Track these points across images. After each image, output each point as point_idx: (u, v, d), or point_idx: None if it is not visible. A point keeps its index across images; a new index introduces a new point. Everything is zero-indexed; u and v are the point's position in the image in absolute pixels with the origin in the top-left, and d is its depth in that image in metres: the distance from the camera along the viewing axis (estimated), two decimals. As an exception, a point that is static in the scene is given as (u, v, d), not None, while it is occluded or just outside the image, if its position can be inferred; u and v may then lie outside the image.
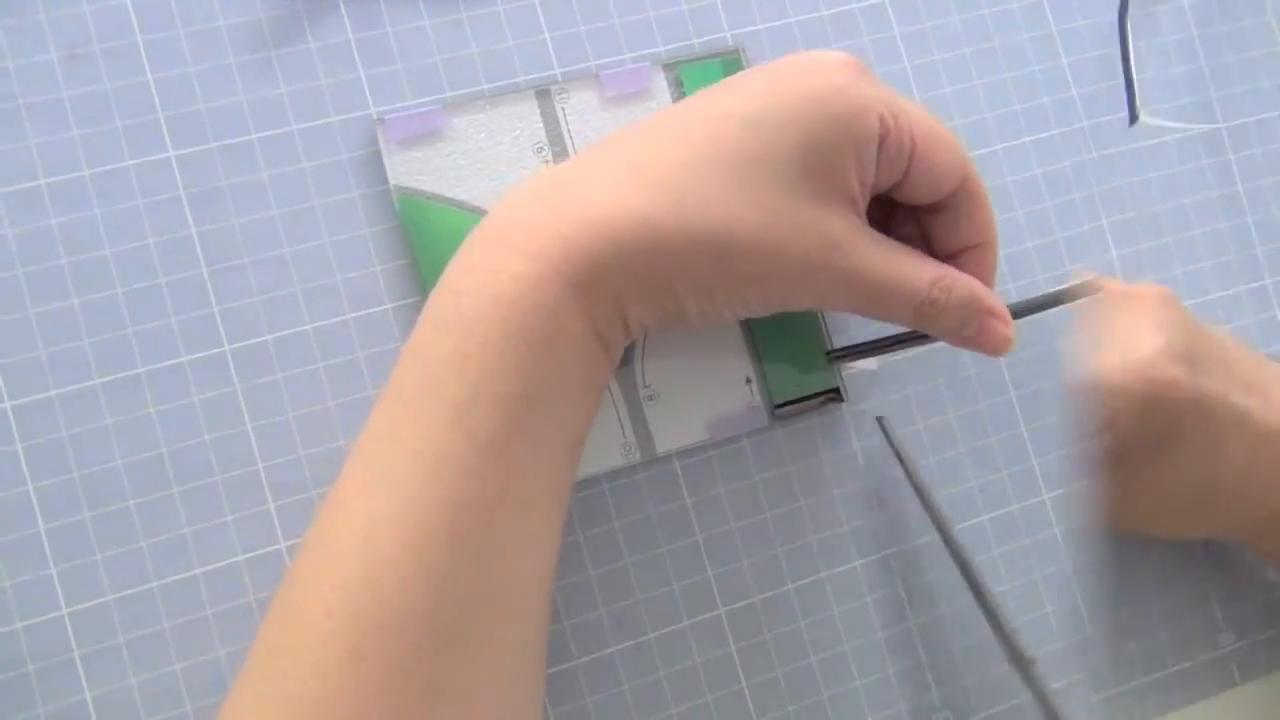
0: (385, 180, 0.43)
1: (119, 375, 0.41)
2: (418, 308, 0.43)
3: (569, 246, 0.36)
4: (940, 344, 0.45)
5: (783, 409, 0.45)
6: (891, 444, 0.46)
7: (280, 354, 0.42)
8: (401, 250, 0.43)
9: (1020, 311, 0.43)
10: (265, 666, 0.34)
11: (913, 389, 0.47)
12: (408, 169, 0.43)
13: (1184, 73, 0.53)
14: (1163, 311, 0.41)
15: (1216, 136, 0.53)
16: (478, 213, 0.43)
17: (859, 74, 0.38)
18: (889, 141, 0.38)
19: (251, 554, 0.41)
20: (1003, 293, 0.43)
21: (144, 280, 0.41)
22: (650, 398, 0.44)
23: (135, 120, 0.42)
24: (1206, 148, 0.52)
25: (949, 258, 0.42)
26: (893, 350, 0.45)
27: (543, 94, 0.45)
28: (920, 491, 0.45)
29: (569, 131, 0.45)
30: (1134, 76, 0.49)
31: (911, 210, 0.42)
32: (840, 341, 0.46)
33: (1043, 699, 0.41)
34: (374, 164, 0.44)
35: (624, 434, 0.44)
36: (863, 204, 0.39)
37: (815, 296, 0.39)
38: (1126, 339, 0.40)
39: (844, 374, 0.46)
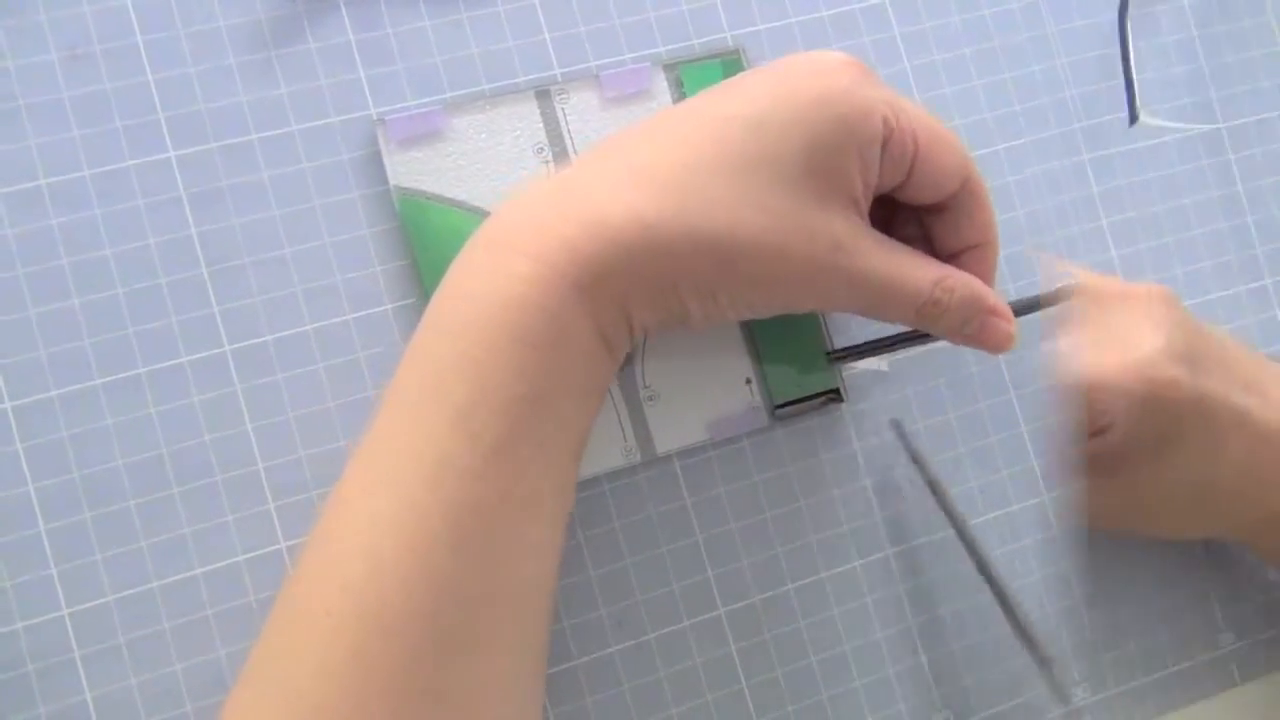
0: (385, 180, 0.43)
1: (119, 375, 0.41)
2: (418, 308, 0.43)
3: (574, 249, 0.35)
4: (940, 343, 0.45)
5: (783, 409, 0.45)
6: (906, 445, 0.46)
7: (280, 354, 0.42)
8: (402, 251, 0.43)
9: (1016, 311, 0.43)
10: (267, 666, 0.34)
11: (912, 389, 0.47)
12: (408, 169, 0.43)
13: (1184, 73, 0.53)
14: (1163, 311, 0.41)
15: (1216, 136, 0.53)
16: (478, 213, 0.43)
17: (862, 75, 0.38)
18: (892, 143, 0.38)
19: (252, 554, 0.41)
20: (1001, 292, 0.43)
21: (144, 280, 0.41)
22: (650, 398, 0.44)
23: (136, 120, 0.42)
24: (1206, 148, 0.52)
25: (950, 257, 0.42)
26: (893, 350, 0.45)
27: (543, 94, 0.45)
28: (937, 493, 0.45)
29: (569, 132, 0.45)
30: (1134, 76, 0.49)
31: (913, 210, 0.42)
32: (840, 341, 0.46)
33: (1061, 696, 0.41)
34: (374, 164, 0.44)
35: (624, 434, 0.44)
36: (865, 205, 0.39)
37: (819, 298, 0.40)
38: (1126, 338, 0.40)
39: (854, 374, 0.46)
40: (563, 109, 0.45)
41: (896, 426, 0.47)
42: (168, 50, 0.43)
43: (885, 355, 0.46)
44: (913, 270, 0.39)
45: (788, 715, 0.45)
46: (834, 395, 0.46)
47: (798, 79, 0.38)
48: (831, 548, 0.46)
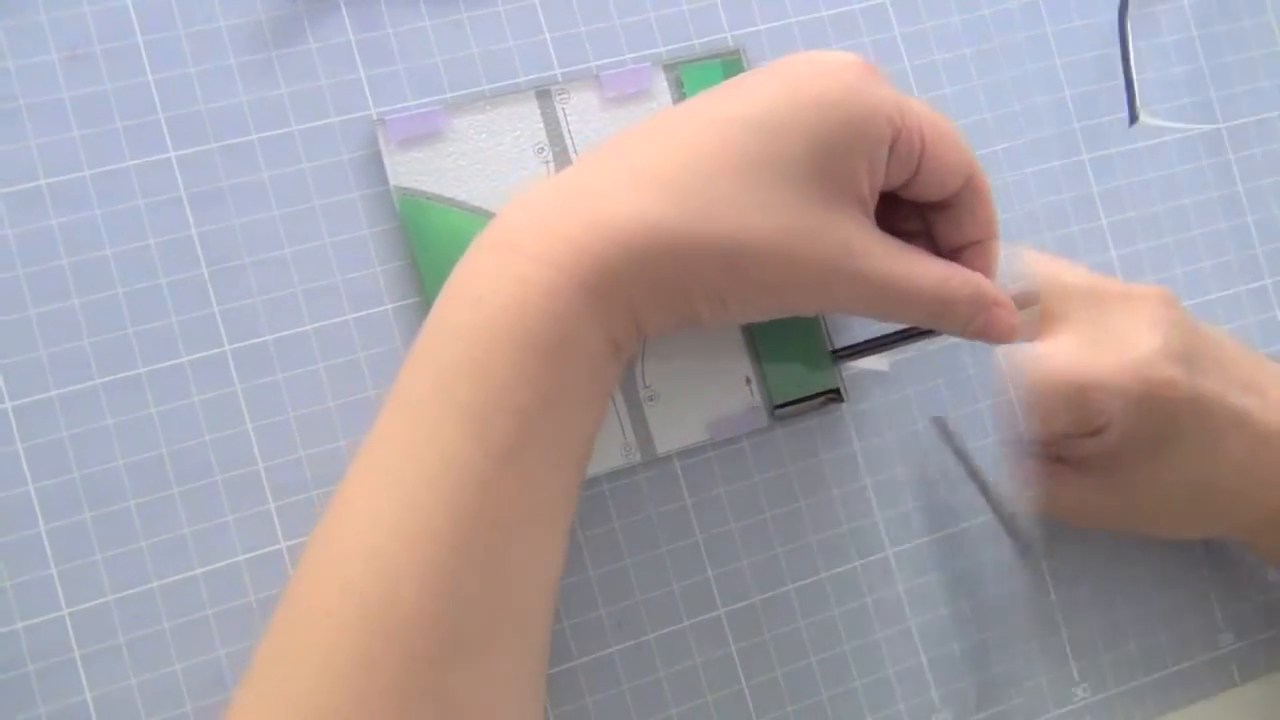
0: (385, 181, 0.43)
1: (119, 375, 0.41)
2: (418, 308, 0.43)
3: (584, 252, 0.35)
4: (940, 338, 0.45)
5: (783, 409, 0.45)
6: (951, 443, 0.46)
7: (280, 354, 0.42)
8: (402, 251, 0.43)
9: None
10: (269, 668, 0.34)
11: (912, 389, 0.47)
12: (408, 169, 0.43)
13: (1184, 73, 0.53)
14: (1160, 311, 0.41)
15: (1216, 136, 0.53)
16: (478, 213, 0.43)
17: (868, 74, 0.38)
18: (899, 142, 0.38)
19: (252, 554, 0.41)
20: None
21: (144, 280, 0.41)
22: (650, 398, 0.44)
23: (136, 121, 0.42)
24: (1206, 148, 0.52)
25: (952, 253, 0.42)
26: (895, 346, 0.45)
27: (543, 94, 0.45)
28: (984, 489, 0.45)
29: (569, 132, 0.45)
30: (1134, 76, 0.49)
31: (915, 206, 0.42)
32: (840, 340, 0.46)
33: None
34: (374, 164, 0.44)
35: (624, 434, 0.44)
36: (872, 205, 0.39)
37: (828, 301, 0.39)
38: (1124, 339, 0.40)
39: (854, 374, 0.46)
40: (563, 109, 0.45)
41: (939, 424, 0.47)
42: (168, 50, 0.43)
43: (887, 353, 0.46)
44: (920, 270, 0.39)
45: (788, 715, 0.45)
46: (834, 395, 0.46)
47: (802, 80, 0.38)
48: (831, 548, 0.46)
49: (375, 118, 0.44)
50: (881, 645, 0.46)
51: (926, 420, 0.47)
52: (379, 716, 0.32)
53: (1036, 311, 0.43)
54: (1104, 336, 0.41)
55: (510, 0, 0.46)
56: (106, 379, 0.41)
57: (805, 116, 0.37)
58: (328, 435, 0.42)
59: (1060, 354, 0.40)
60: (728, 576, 0.45)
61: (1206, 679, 0.49)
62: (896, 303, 0.39)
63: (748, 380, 0.45)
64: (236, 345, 0.42)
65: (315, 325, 0.43)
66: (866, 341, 0.46)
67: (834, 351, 0.46)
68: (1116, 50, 0.50)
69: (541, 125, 0.45)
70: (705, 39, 0.47)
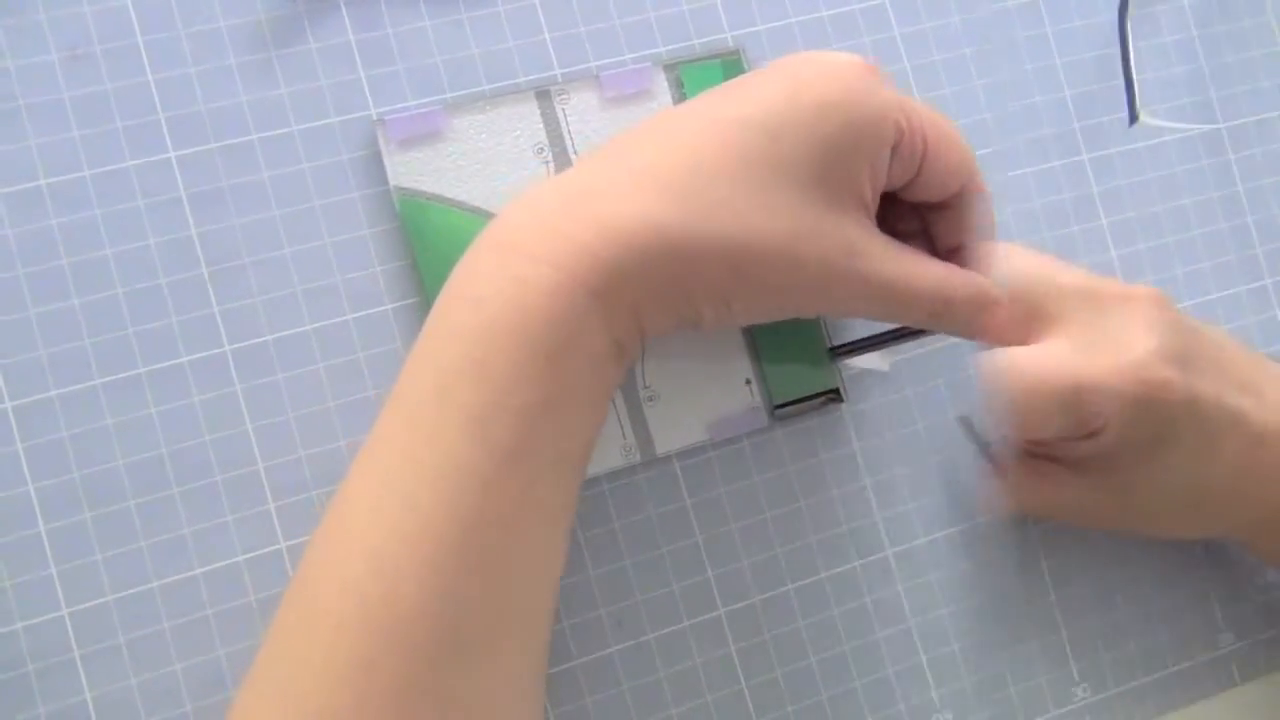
0: (385, 181, 0.43)
1: (119, 375, 0.41)
2: (418, 308, 0.43)
3: (590, 255, 0.35)
4: (937, 338, 0.45)
5: (783, 409, 0.45)
6: (977, 441, 0.46)
7: (280, 354, 0.42)
8: (402, 251, 0.43)
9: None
10: (271, 670, 0.34)
11: (912, 389, 0.47)
12: (408, 169, 0.43)
13: (1184, 73, 0.53)
14: (1156, 312, 0.41)
15: (1216, 136, 0.53)
16: (478, 213, 0.43)
17: (871, 76, 0.38)
18: (902, 145, 0.38)
19: (252, 554, 0.41)
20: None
21: (144, 281, 0.41)
22: (650, 398, 0.44)
23: (136, 121, 0.42)
24: (1206, 148, 0.52)
25: (950, 253, 0.42)
26: (894, 343, 0.45)
27: (543, 95, 0.45)
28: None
29: (569, 132, 0.45)
30: (1134, 76, 0.49)
31: (914, 206, 0.42)
32: (840, 339, 0.46)
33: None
34: (374, 164, 0.44)
35: (624, 435, 0.44)
36: (874, 207, 0.39)
37: (831, 303, 0.40)
38: (1120, 341, 0.40)
39: (854, 373, 0.46)
40: (563, 109, 0.45)
41: (965, 423, 0.47)
42: (168, 50, 0.43)
43: (887, 350, 0.46)
44: (920, 271, 0.39)
45: (787, 716, 0.45)
46: (834, 395, 0.46)
47: (803, 81, 0.38)
48: (831, 548, 0.46)
49: (375, 118, 0.44)
50: (881, 645, 0.46)
51: (924, 421, 0.47)
52: (379, 717, 0.32)
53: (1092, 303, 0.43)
54: (1099, 338, 0.41)
55: (510, 0, 0.46)
56: (106, 379, 0.41)
57: (806, 118, 0.37)
58: (328, 435, 0.42)
59: (1056, 356, 0.40)
60: (727, 576, 0.45)
61: (1206, 679, 0.49)
62: (897, 303, 0.40)
63: (748, 381, 0.45)
64: (236, 345, 0.42)
65: (315, 325, 0.43)
66: (864, 339, 0.46)
67: (832, 349, 0.46)
68: (1116, 50, 0.50)
69: (541, 125, 0.45)
70: (705, 39, 0.47)
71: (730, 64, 0.46)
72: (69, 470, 0.40)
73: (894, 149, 0.38)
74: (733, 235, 0.36)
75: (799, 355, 0.45)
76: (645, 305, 0.36)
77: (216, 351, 0.42)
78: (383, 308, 0.43)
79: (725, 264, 0.37)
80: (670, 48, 0.47)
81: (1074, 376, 0.40)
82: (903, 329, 0.45)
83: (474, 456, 0.33)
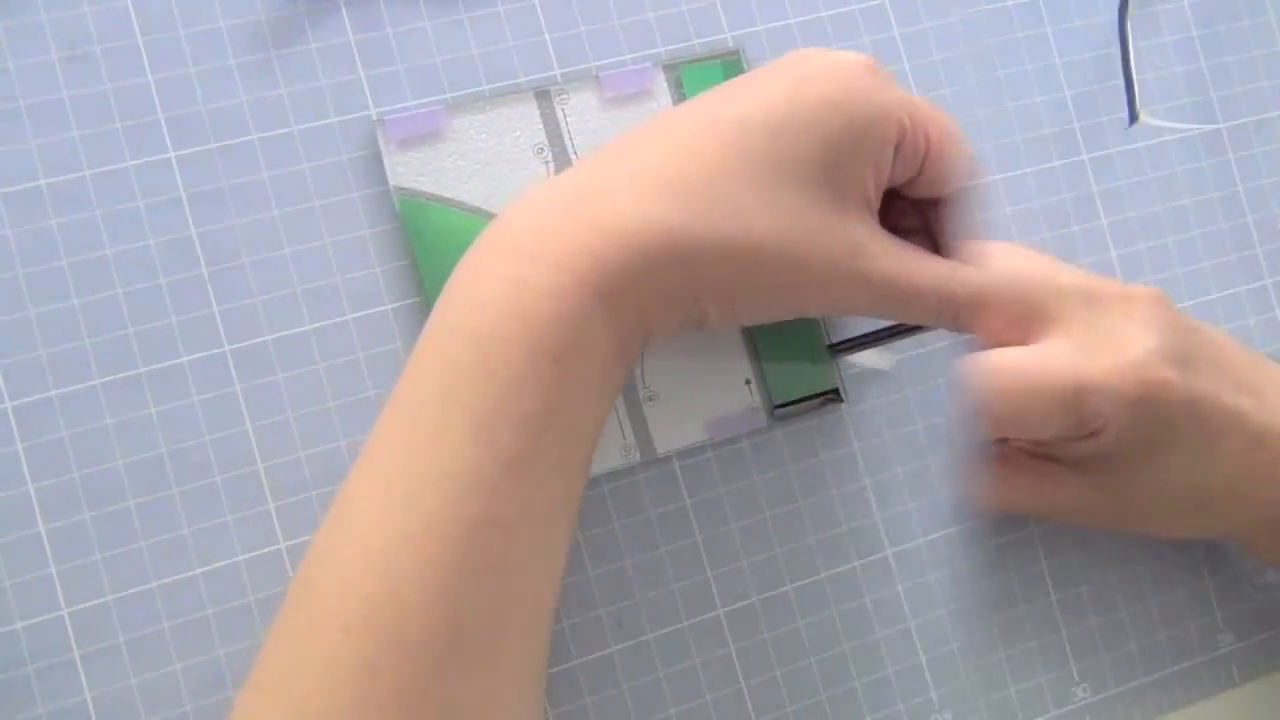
0: (385, 181, 0.43)
1: (119, 375, 0.41)
2: (418, 308, 0.43)
3: (597, 258, 0.35)
4: (936, 334, 0.45)
5: (782, 409, 0.45)
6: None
7: (280, 354, 0.42)
8: (401, 251, 0.43)
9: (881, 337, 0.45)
10: (273, 673, 0.33)
11: (912, 389, 0.47)
12: (408, 169, 0.43)
13: (1184, 73, 0.53)
14: (1155, 312, 0.41)
15: (1216, 136, 0.53)
16: (478, 213, 0.43)
17: (874, 75, 0.38)
18: (905, 143, 0.38)
19: (251, 554, 0.41)
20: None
21: (144, 281, 0.41)
22: (650, 398, 0.44)
23: (136, 121, 0.42)
24: (1206, 148, 0.52)
25: (950, 249, 0.42)
26: (892, 340, 0.45)
27: (542, 95, 0.45)
28: None
29: (569, 132, 0.45)
30: (1134, 76, 0.49)
31: (915, 202, 0.42)
32: (839, 335, 0.46)
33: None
34: (374, 165, 0.44)
35: (624, 435, 0.44)
36: (876, 205, 0.39)
37: (834, 301, 0.40)
38: (1119, 341, 0.40)
39: (854, 373, 0.46)
40: (563, 109, 0.45)
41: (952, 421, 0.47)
42: (168, 51, 0.43)
43: (889, 350, 0.46)
44: (924, 270, 0.40)
45: (787, 716, 0.45)
46: (833, 395, 0.46)
47: (811, 81, 0.38)
48: (831, 548, 0.46)
49: (375, 118, 0.44)
50: (881, 645, 0.46)
51: (924, 421, 0.47)
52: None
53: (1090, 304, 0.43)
54: (1099, 339, 0.40)
55: (510, 0, 0.46)
56: (106, 379, 0.41)
57: (808, 117, 0.37)
58: (327, 435, 0.42)
59: (1056, 356, 0.40)
60: (727, 577, 0.45)
61: (1206, 679, 0.49)
62: (899, 301, 0.40)
63: (747, 381, 0.45)
64: (236, 345, 0.42)
65: (315, 325, 0.43)
66: (863, 336, 0.46)
67: (831, 346, 0.46)
68: (1116, 50, 0.50)
69: (541, 126, 0.45)
70: (705, 39, 0.47)
71: (730, 64, 0.46)
72: (69, 470, 0.40)
73: (897, 147, 0.38)
74: (734, 236, 0.36)
75: (799, 355, 0.45)
76: (649, 306, 0.36)
77: (216, 351, 0.42)
78: (382, 308, 0.43)
79: (728, 265, 0.37)
80: (670, 48, 0.47)
81: (1074, 377, 0.39)
82: (901, 325, 0.45)
83: (478, 459, 0.33)
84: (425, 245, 0.43)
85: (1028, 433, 0.42)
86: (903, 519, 0.47)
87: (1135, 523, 0.45)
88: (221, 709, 0.40)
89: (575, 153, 0.45)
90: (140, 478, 0.40)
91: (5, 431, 0.40)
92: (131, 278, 0.41)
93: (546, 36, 0.46)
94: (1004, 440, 0.45)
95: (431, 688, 0.32)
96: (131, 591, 0.40)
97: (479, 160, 0.44)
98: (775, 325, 0.45)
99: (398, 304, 0.43)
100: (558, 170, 0.44)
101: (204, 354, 0.42)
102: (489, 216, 0.43)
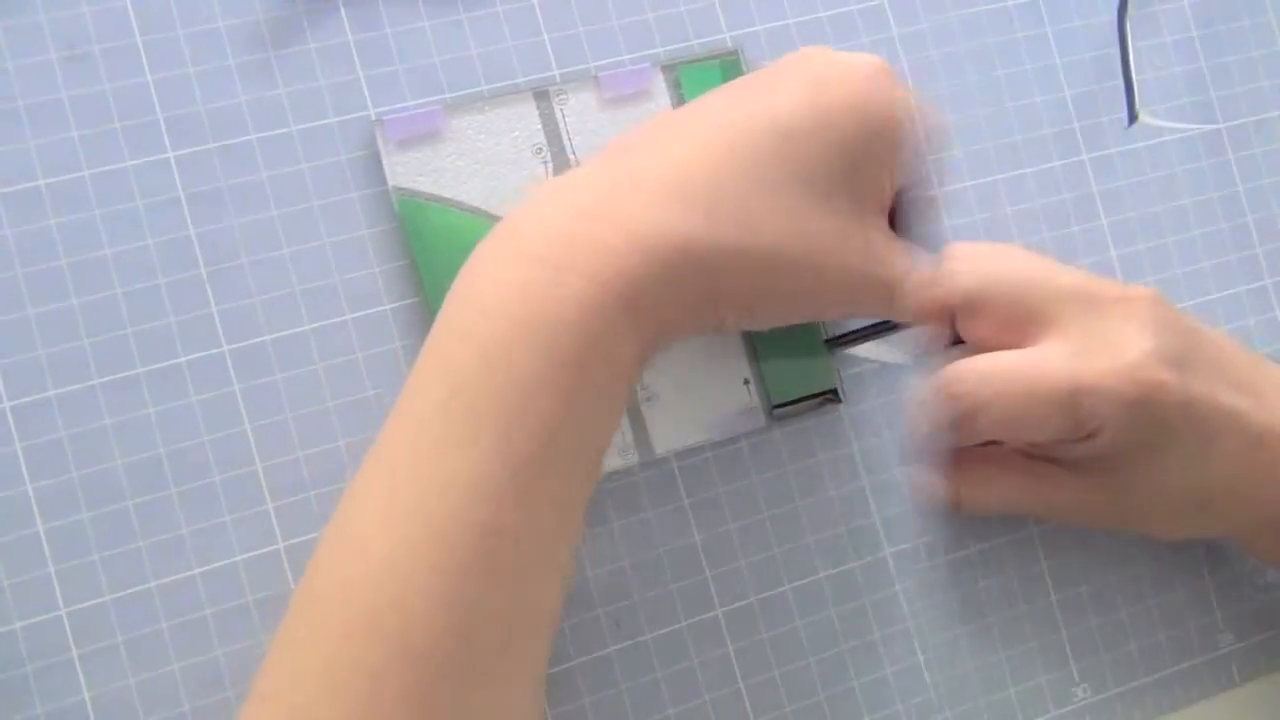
0: (384, 181, 0.43)
1: (118, 376, 0.41)
2: (417, 308, 0.43)
3: (623, 266, 0.34)
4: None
5: (781, 410, 0.45)
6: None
7: (279, 354, 0.42)
8: (400, 251, 0.43)
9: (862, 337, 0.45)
10: (279, 683, 0.33)
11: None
12: (406, 170, 0.43)
13: (1184, 73, 0.53)
14: (1153, 314, 0.41)
15: (1216, 136, 0.52)
16: (477, 213, 0.43)
17: (889, 80, 0.38)
18: (915, 147, 0.38)
19: (250, 554, 0.41)
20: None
21: (143, 281, 0.41)
22: (649, 399, 0.44)
23: (134, 121, 0.42)
24: (1206, 148, 0.52)
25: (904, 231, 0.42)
26: (889, 334, 0.45)
27: (541, 95, 0.45)
28: None
29: (567, 133, 0.45)
30: (1133, 76, 0.49)
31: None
32: (838, 330, 0.46)
33: None
34: (373, 165, 0.44)
35: (622, 435, 0.44)
36: (889, 208, 0.40)
37: (851, 306, 0.40)
38: (1116, 342, 0.40)
39: (857, 374, 0.46)
40: (561, 110, 0.45)
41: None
42: (167, 51, 0.43)
43: (884, 340, 0.46)
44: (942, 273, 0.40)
45: (785, 716, 0.45)
46: (832, 396, 0.46)
47: (829, 84, 0.38)
48: (829, 548, 0.46)
49: (374, 118, 0.44)
50: (879, 645, 0.46)
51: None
52: None
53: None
54: (1096, 341, 0.40)
55: (509, 1, 0.46)
56: (105, 379, 0.41)
57: (830, 121, 0.37)
58: (326, 435, 0.42)
59: (1051, 360, 0.40)
60: (725, 577, 0.45)
61: (1206, 679, 0.49)
62: (919, 307, 0.40)
63: (746, 381, 0.45)
64: (235, 345, 0.42)
65: (314, 325, 0.43)
66: (861, 330, 0.46)
67: (829, 341, 0.46)
68: (1116, 50, 0.50)
69: (540, 126, 0.45)
70: (704, 40, 0.47)
71: (729, 64, 0.46)
72: (67, 470, 0.40)
73: (911, 152, 0.39)
74: (759, 246, 0.36)
75: (797, 355, 0.45)
76: (670, 314, 0.36)
77: (215, 352, 0.42)
78: (381, 308, 0.43)
79: (750, 273, 0.37)
80: (669, 48, 0.47)
81: (1070, 379, 0.39)
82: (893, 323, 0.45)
83: (497, 475, 0.33)
84: (424, 245, 0.43)
85: (1025, 435, 0.42)
86: (901, 519, 0.47)
87: (1135, 523, 0.45)
88: (220, 709, 0.40)
89: (574, 153, 0.45)
90: (139, 478, 0.41)
91: (4, 431, 0.40)
92: (130, 278, 0.41)
93: (545, 37, 0.46)
94: (993, 443, 0.44)
95: (437, 694, 0.32)
96: (130, 591, 0.40)
97: (478, 160, 0.44)
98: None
99: (396, 304, 0.43)
100: (556, 171, 0.44)
101: (202, 354, 0.42)
102: (488, 216, 0.43)
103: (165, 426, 0.41)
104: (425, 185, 0.43)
